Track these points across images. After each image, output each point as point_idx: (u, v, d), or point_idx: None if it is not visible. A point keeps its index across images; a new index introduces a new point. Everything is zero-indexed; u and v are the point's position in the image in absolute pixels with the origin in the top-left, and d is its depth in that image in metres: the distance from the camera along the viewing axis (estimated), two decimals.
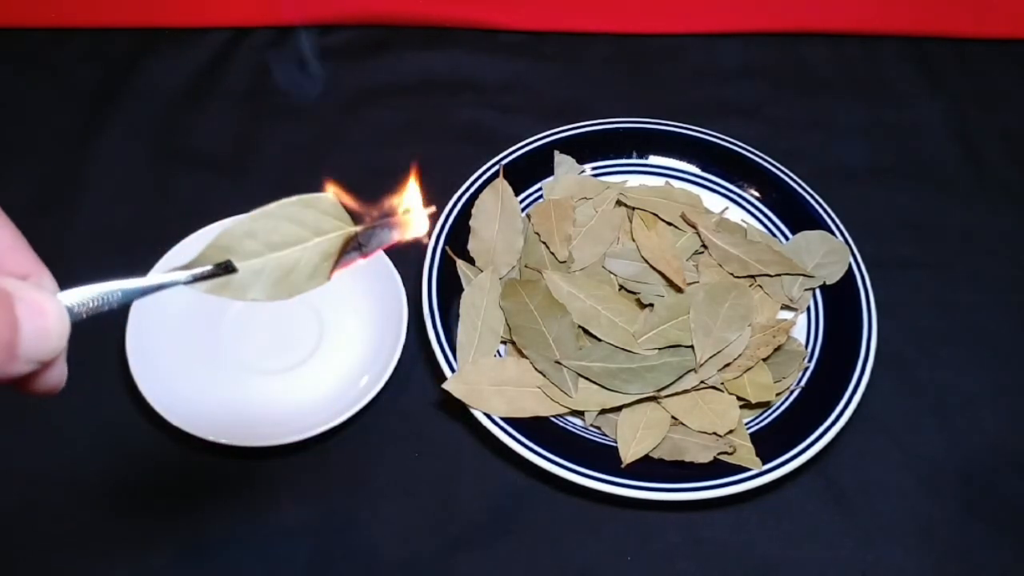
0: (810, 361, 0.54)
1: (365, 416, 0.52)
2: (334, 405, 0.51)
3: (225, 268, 0.26)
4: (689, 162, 0.63)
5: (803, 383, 0.53)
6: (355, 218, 0.28)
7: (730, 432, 0.49)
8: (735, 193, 0.62)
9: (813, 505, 0.51)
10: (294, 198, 0.27)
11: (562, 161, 0.62)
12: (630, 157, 0.63)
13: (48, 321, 0.23)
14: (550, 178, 0.61)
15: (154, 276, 0.25)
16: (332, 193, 0.28)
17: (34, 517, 0.49)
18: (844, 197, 0.62)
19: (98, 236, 0.61)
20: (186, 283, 0.26)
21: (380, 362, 0.53)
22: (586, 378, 0.51)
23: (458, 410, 0.50)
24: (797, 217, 0.60)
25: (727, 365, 0.52)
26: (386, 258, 0.55)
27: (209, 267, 0.26)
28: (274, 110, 0.70)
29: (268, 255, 0.26)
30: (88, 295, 0.24)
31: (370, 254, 0.29)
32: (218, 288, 0.26)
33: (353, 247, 0.28)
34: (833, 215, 0.59)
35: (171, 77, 0.72)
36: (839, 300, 0.56)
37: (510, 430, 0.48)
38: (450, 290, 0.54)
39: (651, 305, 0.54)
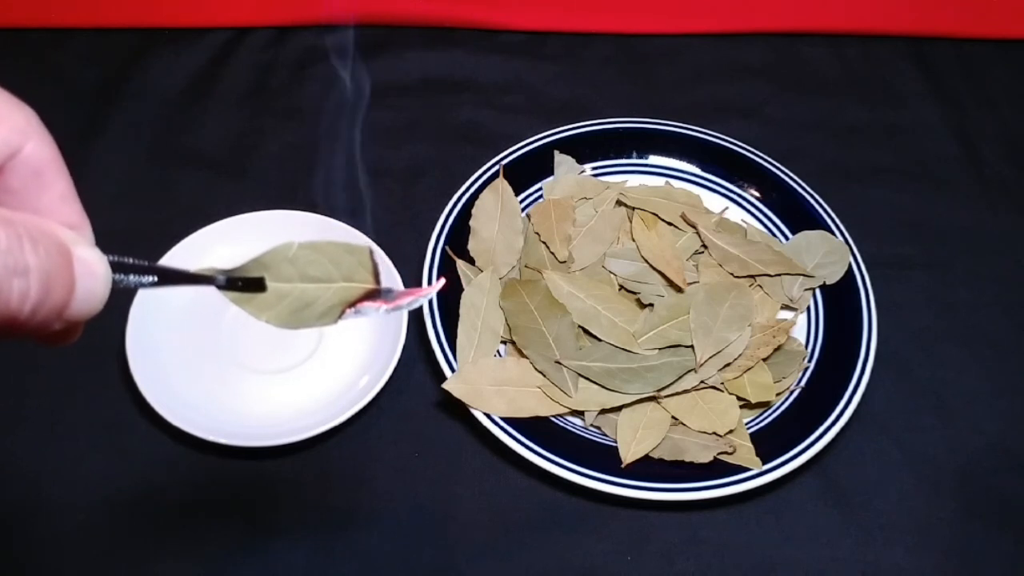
0: (810, 361, 0.54)
1: (365, 416, 0.52)
2: (334, 405, 0.51)
3: (257, 284, 0.27)
4: (689, 162, 0.63)
5: (803, 383, 0.53)
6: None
7: (730, 432, 0.49)
8: (735, 193, 0.62)
9: (813, 505, 0.51)
10: (342, 241, 0.28)
11: (562, 161, 0.62)
12: (630, 157, 0.63)
13: (97, 284, 0.22)
14: (550, 178, 0.61)
15: (193, 268, 0.25)
16: (372, 250, 0.29)
17: (34, 517, 0.49)
18: (844, 197, 0.62)
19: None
20: (219, 286, 0.26)
21: (380, 362, 0.53)
22: (586, 378, 0.51)
23: (458, 410, 0.50)
24: (797, 217, 0.60)
25: (727, 365, 0.52)
26: (386, 258, 0.55)
27: (245, 277, 0.26)
28: (274, 110, 0.70)
29: (297, 284, 0.27)
30: (127, 266, 0.23)
31: (391, 306, 0.30)
32: (241, 300, 0.27)
33: (371, 300, 0.29)
34: (833, 215, 0.59)
35: (171, 77, 0.72)
36: (839, 300, 0.56)
37: (510, 430, 0.48)
38: (450, 290, 0.54)
39: (651, 305, 0.54)
